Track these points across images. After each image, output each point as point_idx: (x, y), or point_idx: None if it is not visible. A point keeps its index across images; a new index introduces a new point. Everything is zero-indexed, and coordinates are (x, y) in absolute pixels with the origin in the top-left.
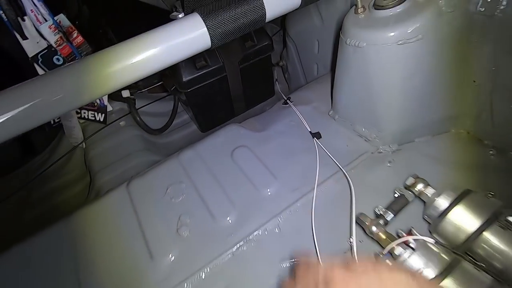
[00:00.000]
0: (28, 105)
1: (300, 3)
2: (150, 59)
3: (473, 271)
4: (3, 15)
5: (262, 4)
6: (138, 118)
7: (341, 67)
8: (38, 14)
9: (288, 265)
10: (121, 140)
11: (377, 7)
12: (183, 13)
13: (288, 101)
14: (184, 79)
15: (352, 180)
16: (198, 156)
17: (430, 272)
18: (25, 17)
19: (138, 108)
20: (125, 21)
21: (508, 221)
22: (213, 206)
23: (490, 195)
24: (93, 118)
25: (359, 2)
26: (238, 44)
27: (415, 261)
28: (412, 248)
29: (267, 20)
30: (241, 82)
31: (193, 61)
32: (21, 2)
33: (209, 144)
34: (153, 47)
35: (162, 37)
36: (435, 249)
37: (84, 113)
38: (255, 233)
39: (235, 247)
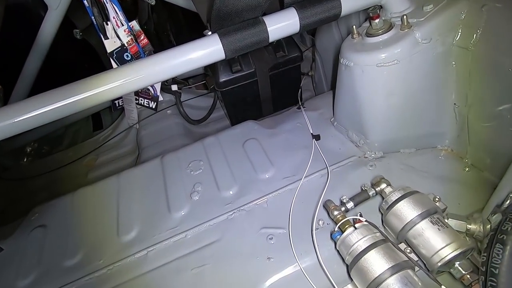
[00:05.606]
0: (110, 86)
1: (299, 29)
2: (185, 63)
3: (394, 249)
4: (94, 19)
5: (266, 29)
6: (181, 109)
7: (338, 81)
8: (118, 20)
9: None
10: (166, 125)
11: (368, 34)
12: (210, 32)
13: (301, 106)
14: (221, 80)
15: (333, 177)
16: (218, 142)
17: (362, 244)
18: (108, 22)
19: (183, 101)
20: (183, 27)
21: (439, 219)
22: (220, 181)
23: (437, 199)
24: (147, 105)
25: (354, 29)
26: (270, 53)
27: (354, 236)
28: (355, 228)
29: (270, 41)
30: (270, 87)
31: (229, 65)
32: (107, 10)
33: (228, 134)
34: (186, 55)
35: (192, 48)
36: (372, 230)
37: (141, 100)
38: (248, 205)
39: (231, 213)
